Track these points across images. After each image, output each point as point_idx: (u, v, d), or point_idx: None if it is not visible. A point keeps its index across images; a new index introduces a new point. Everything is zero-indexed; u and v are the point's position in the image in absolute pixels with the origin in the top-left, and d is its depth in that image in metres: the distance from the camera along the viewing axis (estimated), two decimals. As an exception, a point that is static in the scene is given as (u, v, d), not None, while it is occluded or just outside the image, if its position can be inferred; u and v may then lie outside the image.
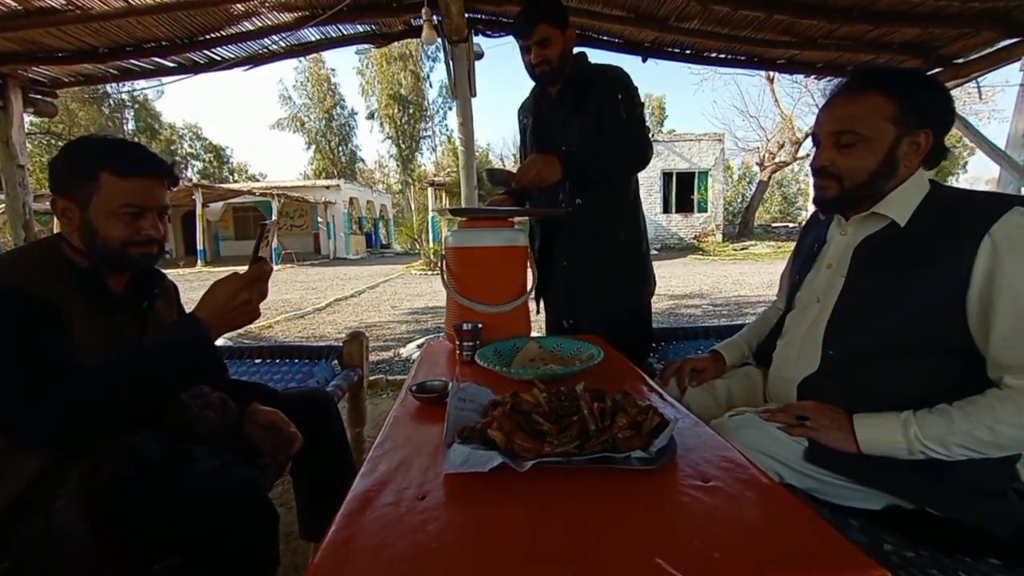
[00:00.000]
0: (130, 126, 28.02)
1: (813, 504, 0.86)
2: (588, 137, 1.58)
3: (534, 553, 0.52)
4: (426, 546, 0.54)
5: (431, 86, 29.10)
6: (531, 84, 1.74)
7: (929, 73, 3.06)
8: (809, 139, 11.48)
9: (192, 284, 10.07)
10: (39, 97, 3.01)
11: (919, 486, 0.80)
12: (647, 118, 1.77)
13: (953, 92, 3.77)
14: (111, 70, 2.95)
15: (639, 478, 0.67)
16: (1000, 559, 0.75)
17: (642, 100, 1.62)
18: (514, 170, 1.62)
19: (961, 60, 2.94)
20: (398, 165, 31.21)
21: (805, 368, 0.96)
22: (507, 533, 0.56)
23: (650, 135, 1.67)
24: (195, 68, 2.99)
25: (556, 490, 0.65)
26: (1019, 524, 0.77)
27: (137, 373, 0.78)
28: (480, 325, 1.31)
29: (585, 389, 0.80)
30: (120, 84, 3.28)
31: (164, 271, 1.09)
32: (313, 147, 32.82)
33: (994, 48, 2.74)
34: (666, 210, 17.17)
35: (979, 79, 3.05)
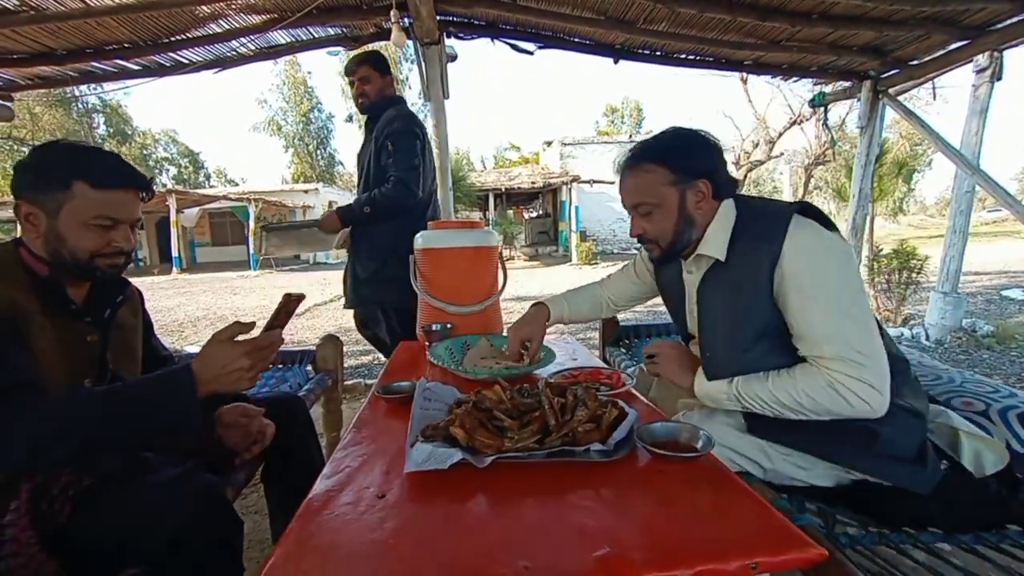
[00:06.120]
0: (101, 131, 27.13)
1: (772, 491, 0.89)
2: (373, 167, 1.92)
3: (488, 547, 0.53)
4: (382, 543, 0.54)
5: (410, 88, 28.87)
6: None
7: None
8: (783, 138, 11.88)
9: (167, 292, 9.77)
10: (-6, 101, 2.93)
11: (850, 453, 0.87)
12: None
13: (911, 92, 3.92)
14: (71, 72, 2.87)
15: (597, 470, 0.69)
16: (942, 529, 0.81)
17: (415, 139, 1.86)
18: None
19: (916, 62, 3.06)
20: (378, 168, 30.84)
21: None
22: (464, 528, 0.57)
23: (419, 168, 1.84)
24: (160, 71, 2.93)
25: (515, 485, 0.66)
26: (936, 484, 0.84)
27: (111, 409, 0.73)
28: (450, 325, 1.32)
29: (547, 384, 0.81)
30: (90, 87, 3.19)
31: (138, 279, 1.06)
32: (291, 151, 32.33)
33: (946, 50, 2.87)
34: (646, 209, 17.36)
35: (935, 80, 3.18)
